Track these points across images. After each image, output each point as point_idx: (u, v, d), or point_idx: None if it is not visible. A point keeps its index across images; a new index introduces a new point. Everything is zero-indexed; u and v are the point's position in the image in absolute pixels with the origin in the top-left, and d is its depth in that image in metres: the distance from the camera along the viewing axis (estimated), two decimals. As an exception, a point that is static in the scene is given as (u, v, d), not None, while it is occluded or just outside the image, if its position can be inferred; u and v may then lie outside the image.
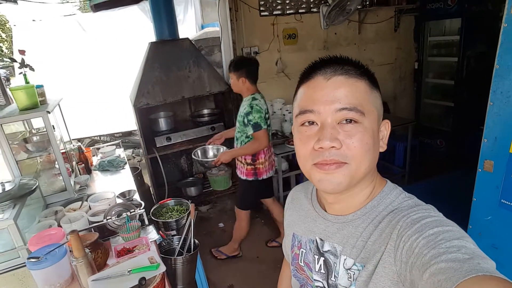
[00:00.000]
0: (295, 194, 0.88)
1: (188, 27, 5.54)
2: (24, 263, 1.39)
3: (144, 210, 1.87)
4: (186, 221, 1.91)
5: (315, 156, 0.61)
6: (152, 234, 1.80)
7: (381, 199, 0.68)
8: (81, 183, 2.41)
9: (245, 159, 2.52)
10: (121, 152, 3.08)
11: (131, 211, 1.79)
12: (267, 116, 2.43)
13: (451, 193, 2.15)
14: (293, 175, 3.47)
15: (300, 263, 0.78)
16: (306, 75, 0.66)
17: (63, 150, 2.47)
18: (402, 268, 0.56)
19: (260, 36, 3.62)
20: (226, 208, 3.86)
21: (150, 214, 2.00)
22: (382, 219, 0.64)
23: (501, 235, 1.25)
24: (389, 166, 4.10)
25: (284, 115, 3.79)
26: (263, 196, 2.79)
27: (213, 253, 2.97)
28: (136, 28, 4.99)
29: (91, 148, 3.05)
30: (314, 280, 0.73)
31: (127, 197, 2.10)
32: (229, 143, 2.79)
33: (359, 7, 3.73)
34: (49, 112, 2.04)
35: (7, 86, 2.48)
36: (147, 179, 3.67)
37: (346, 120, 0.60)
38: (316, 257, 0.73)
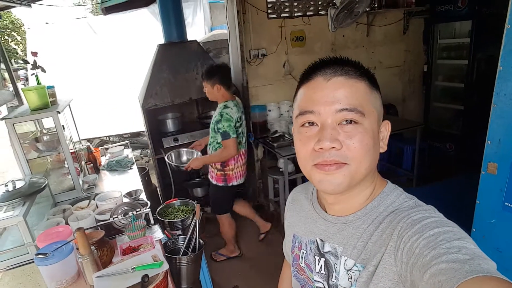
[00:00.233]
0: (296, 195, 0.88)
1: (197, 29, 5.60)
2: (33, 259, 1.42)
3: (150, 209, 1.89)
4: (191, 221, 1.93)
5: (315, 156, 0.62)
6: (157, 233, 1.82)
7: (382, 200, 0.67)
8: (89, 183, 2.45)
9: (215, 165, 2.57)
10: (129, 153, 3.12)
11: (137, 210, 1.81)
12: (238, 124, 2.45)
13: (459, 196, 2.12)
14: (299, 177, 3.46)
15: (300, 264, 0.78)
16: (306, 76, 0.66)
17: (73, 150, 2.52)
18: (402, 269, 0.56)
19: (267, 39, 3.63)
20: (232, 209, 3.87)
21: (156, 213, 2.02)
22: (383, 219, 0.64)
23: (505, 238, 1.22)
24: (397, 169, 4.06)
25: (291, 117, 3.80)
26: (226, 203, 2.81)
27: (213, 256, 2.99)
28: (146, 30, 5.06)
29: (99, 148, 3.10)
30: (315, 281, 0.73)
31: (134, 197, 2.13)
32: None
33: (367, 9, 3.72)
34: (59, 112, 2.09)
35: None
36: (154, 180, 3.70)
37: (346, 120, 0.61)
38: (317, 258, 0.73)
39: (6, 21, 14.10)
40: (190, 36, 3.59)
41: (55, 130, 2.17)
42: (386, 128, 0.69)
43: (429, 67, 4.42)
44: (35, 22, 5.01)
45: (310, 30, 3.77)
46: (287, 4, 3.60)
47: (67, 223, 1.77)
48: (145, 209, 1.86)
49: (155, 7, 5.06)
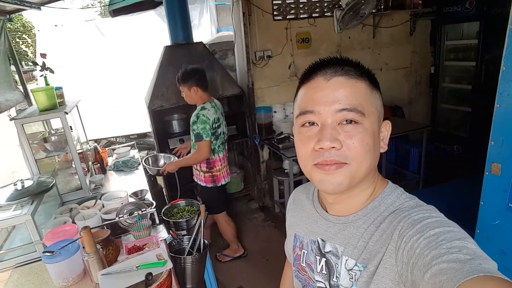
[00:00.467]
0: (297, 195, 0.88)
1: (203, 31, 5.64)
2: (40, 257, 1.45)
3: (155, 209, 1.91)
4: (196, 222, 1.95)
5: (316, 156, 0.62)
6: (162, 233, 1.83)
7: (382, 200, 0.68)
8: (96, 182, 2.48)
9: (200, 167, 2.57)
10: (135, 153, 3.15)
11: (142, 210, 1.83)
12: (216, 125, 2.45)
13: (466, 197, 2.10)
14: (305, 178, 3.45)
15: (302, 264, 0.78)
16: (307, 76, 0.66)
17: (80, 150, 2.55)
18: (403, 269, 0.56)
19: (273, 40, 3.64)
20: (238, 210, 3.89)
21: (162, 214, 2.04)
22: (383, 219, 0.64)
23: (509, 240, 1.20)
24: (403, 171, 4.03)
25: (296, 118, 3.79)
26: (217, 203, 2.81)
27: (218, 257, 2.99)
28: (153, 32, 5.11)
29: (106, 148, 3.13)
30: (316, 281, 0.74)
31: (139, 197, 2.15)
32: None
33: (373, 11, 3.71)
34: (66, 113, 2.12)
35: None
36: (160, 180, 3.73)
37: (346, 120, 0.61)
38: (318, 258, 0.73)
39: (17, 24, 14.37)
40: (196, 38, 3.62)
41: (63, 130, 2.20)
42: (386, 128, 0.69)
43: (436, 68, 4.39)
44: (44, 24, 5.10)
45: (315, 31, 3.77)
46: (292, 6, 3.61)
47: (73, 222, 1.80)
48: (150, 209, 1.88)
49: (162, 10, 5.11)
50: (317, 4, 3.69)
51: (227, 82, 3.45)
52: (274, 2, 3.52)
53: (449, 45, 4.31)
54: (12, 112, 2.26)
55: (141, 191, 2.22)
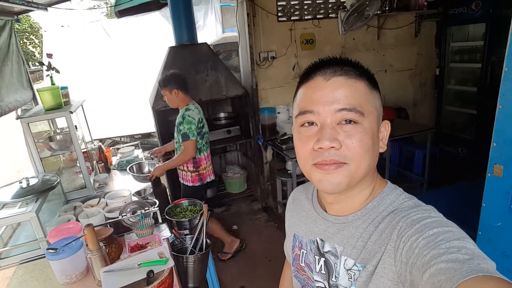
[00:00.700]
0: (296, 195, 0.88)
1: (208, 32, 5.66)
2: (44, 254, 1.46)
3: (158, 208, 1.92)
4: (199, 221, 1.96)
5: (315, 156, 0.62)
6: (165, 232, 1.84)
7: (381, 200, 0.68)
8: (100, 181, 2.50)
9: (187, 167, 2.60)
10: (139, 153, 3.18)
11: (145, 208, 1.84)
12: (201, 125, 2.50)
13: (469, 200, 2.09)
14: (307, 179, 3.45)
15: (301, 264, 0.78)
16: (306, 76, 0.66)
17: (84, 149, 2.58)
18: (402, 269, 0.56)
19: (277, 41, 3.65)
20: (241, 210, 3.89)
21: (165, 213, 2.05)
22: (382, 219, 0.64)
23: (511, 242, 1.19)
24: (407, 173, 4.01)
25: (300, 119, 3.79)
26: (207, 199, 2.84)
27: (220, 256, 3.00)
28: (158, 33, 5.14)
29: (111, 148, 3.16)
30: (315, 280, 0.74)
31: (142, 196, 2.17)
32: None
33: (378, 12, 3.70)
34: (71, 112, 2.14)
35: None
36: (164, 180, 3.75)
37: (346, 120, 0.61)
38: (317, 257, 0.73)
39: (25, 24, 14.52)
40: (201, 39, 3.63)
41: (68, 129, 2.23)
42: (385, 128, 0.69)
43: (441, 70, 4.36)
44: (51, 25, 5.15)
45: (320, 33, 3.77)
46: (297, 7, 3.61)
47: (77, 220, 1.82)
48: (153, 208, 1.89)
49: (167, 11, 5.13)
50: (322, 6, 3.69)
51: (231, 82, 3.46)
52: (279, 3, 3.52)
53: (454, 46, 4.28)
54: (19, 111, 2.30)
55: (145, 190, 2.24)
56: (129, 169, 2.57)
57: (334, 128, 0.61)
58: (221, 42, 4.06)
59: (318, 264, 0.72)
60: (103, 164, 2.75)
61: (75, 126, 2.40)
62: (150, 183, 2.49)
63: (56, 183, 1.93)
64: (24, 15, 3.02)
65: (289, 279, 0.90)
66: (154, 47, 4.89)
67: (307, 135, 0.63)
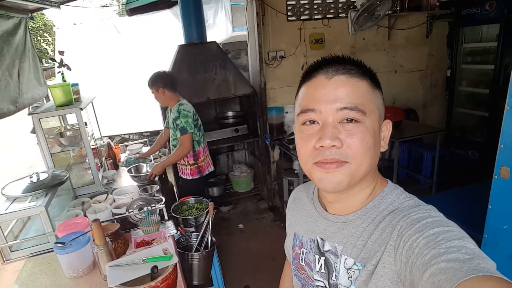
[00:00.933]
0: (297, 194, 0.89)
1: (218, 31, 5.67)
2: (53, 248, 1.49)
3: (164, 205, 1.94)
4: (204, 219, 1.97)
5: (316, 155, 0.62)
6: (171, 229, 1.86)
7: (382, 199, 0.67)
8: (108, 178, 2.54)
9: (187, 161, 2.62)
10: (147, 150, 3.20)
11: (152, 205, 1.86)
12: (195, 117, 2.56)
13: (478, 202, 2.06)
14: (315, 180, 3.44)
15: (301, 263, 0.78)
16: (308, 74, 0.67)
17: (94, 146, 2.62)
18: (402, 268, 0.56)
19: (286, 41, 3.64)
20: (247, 209, 3.90)
21: (171, 210, 2.07)
22: (383, 219, 0.64)
23: (518, 246, 1.17)
24: (415, 175, 3.96)
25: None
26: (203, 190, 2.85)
27: None
28: (168, 31, 5.17)
29: (119, 145, 3.20)
30: (315, 280, 0.74)
31: (149, 193, 2.19)
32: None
33: (389, 12, 3.66)
34: (81, 109, 2.18)
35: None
36: (171, 178, 3.78)
37: (347, 119, 0.61)
38: (317, 256, 0.73)
39: (39, 22, 14.76)
40: (211, 38, 3.65)
41: (77, 126, 2.27)
42: (387, 128, 0.69)
43: (452, 71, 4.29)
44: (64, 23, 5.23)
45: (329, 32, 3.75)
46: (307, 6, 3.60)
47: (85, 215, 1.85)
48: (160, 204, 1.91)
49: (177, 9, 5.15)
50: (332, 5, 3.67)
51: (239, 81, 3.47)
52: (288, 2, 3.52)
53: (467, 47, 4.21)
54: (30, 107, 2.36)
55: (151, 187, 2.26)
56: (128, 171, 2.60)
57: (335, 126, 0.61)
58: (230, 41, 4.07)
59: (318, 263, 0.72)
60: (111, 160, 2.79)
61: (85, 123, 2.44)
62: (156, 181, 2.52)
63: (65, 178, 1.96)
64: (38, 13, 3.08)
65: (289, 278, 0.90)
66: (164, 45, 4.92)
67: (309, 133, 0.64)
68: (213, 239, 1.98)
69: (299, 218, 0.82)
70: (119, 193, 2.09)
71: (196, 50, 3.40)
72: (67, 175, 2.00)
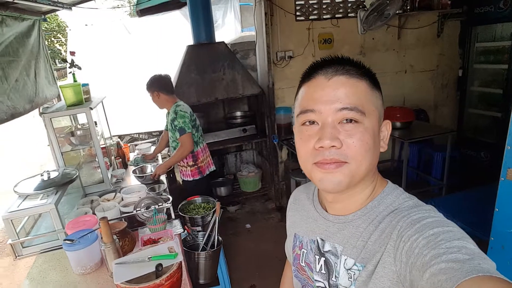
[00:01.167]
0: (297, 195, 0.89)
1: (227, 31, 5.69)
2: (62, 245, 1.52)
3: (171, 204, 1.96)
4: (211, 219, 1.98)
5: (316, 155, 0.62)
6: (177, 228, 1.88)
7: (382, 199, 0.67)
8: (118, 176, 2.58)
9: (186, 163, 2.63)
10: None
11: (159, 204, 1.88)
12: (193, 118, 2.57)
13: (488, 205, 2.02)
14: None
15: (301, 264, 0.78)
16: (308, 75, 0.67)
17: (103, 145, 2.66)
18: (402, 268, 0.56)
19: (295, 41, 3.63)
20: (254, 209, 3.91)
21: (178, 209, 2.09)
22: (383, 219, 0.64)
23: (525, 251, 1.14)
24: (425, 177, 3.91)
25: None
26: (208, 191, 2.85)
27: None
28: (177, 32, 5.22)
29: (129, 144, 3.24)
30: (315, 280, 0.74)
31: (157, 191, 2.21)
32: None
33: (399, 11, 3.62)
34: (91, 109, 2.21)
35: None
36: (179, 177, 3.81)
37: (347, 119, 0.61)
38: (317, 257, 0.73)
39: (53, 24, 15.05)
40: (220, 38, 3.67)
41: (88, 125, 2.30)
42: (386, 128, 0.69)
43: (464, 71, 4.22)
44: (76, 24, 5.33)
45: (338, 32, 3.73)
46: (315, 6, 3.59)
47: (94, 213, 1.88)
48: (167, 204, 1.93)
49: (186, 10, 5.20)
50: (341, 5, 3.65)
51: (247, 81, 3.48)
52: (297, 2, 3.51)
53: (479, 47, 4.13)
54: (36, 112, 2.43)
55: (159, 186, 2.29)
56: (133, 171, 2.64)
57: (335, 127, 0.61)
58: (238, 41, 4.09)
59: (318, 263, 0.73)
60: (120, 159, 2.83)
61: (95, 122, 2.48)
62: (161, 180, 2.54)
63: (75, 177, 2.00)
64: (52, 14, 3.15)
65: (290, 279, 0.90)
66: (174, 45, 4.96)
67: (308, 134, 0.64)
68: (220, 238, 1.99)
69: (299, 219, 0.83)
70: (127, 192, 2.12)
71: (205, 50, 3.42)
72: (77, 174, 2.04)
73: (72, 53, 2.63)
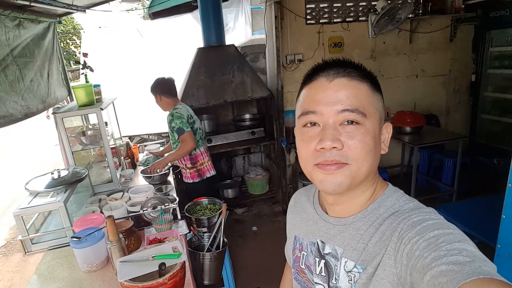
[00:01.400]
0: (298, 197, 0.89)
1: (237, 34, 5.73)
2: (69, 243, 1.55)
3: (177, 205, 1.98)
4: (217, 220, 1.99)
5: (317, 156, 0.62)
6: (183, 228, 1.89)
7: (382, 202, 0.67)
8: (126, 176, 2.61)
9: (185, 165, 2.67)
10: (165, 150, 3.27)
11: (166, 204, 1.90)
12: (190, 121, 2.60)
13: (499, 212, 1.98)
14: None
15: (301, 266, 0.78)
16: (309, 77, 0.67)
17: (113, 145, 2.70)
18: (402, 271, 0.56)
19: (305, 44, 3.63)
20: (261, 212, 3.90)
21: (184, 210, 2.11)
22: (383, 221, 0.64)
23: (533, 259, 1.11)
24: (435, 183, 3.84)
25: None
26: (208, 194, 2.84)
27: None
28: (189, 35, 5.27)
29: (138, 145, 3.28)
30: (315, 283, 0.73)
31: (164, 192, 2.23)
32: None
33: (410, 15, 3.59)
34: (102, 109, 2.25)
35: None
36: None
37: (348, 121, 0.61)
38: (317, 259, 0.73)
39: (69, 26, 15.40)
40: (231, 41, 3.69)
41: (98, 125, 2.35)
42: (387, 130, 0.68)
43: (477, 76, 4.14)
44: (90, 26, 5.44)
45: (349, 36, 3.71)
46: (326, 10, 3.58)
47: (102, 212, 1.91)
48: (173, 204, 1.95)
49: (198, 13, 5.26)
50: (352, 9, 3.64)
51: (256, 84, 3.49)
52: (308, 6, 3.51)
53: (494, 51, 4.05)
54: (51, 112, 2.49)
55: (166, 186, 2.31)
56: (141, 171, 2.68)
57: (336, 128, 0.61)
58: (248, 44, 4.11)
59: (318, 266, 0.72)
60: (130, 160, 2.87)
61: (105, 123, 2.52)
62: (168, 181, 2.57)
63: (84, 175, 2.04)
64: (68, 17, 3.22)
65: (289, 281, 0.90)
66: (185, 48, 5.01)
67: (309, 135, 0.64)
68: (225, 240, 2.00)
69: (299, 221, 0.82)
70: (135, 192, 2.14)
71: (215, 53, 3.45)
72: (86, 173, 2.08)
73: (85, 55, 2.69)
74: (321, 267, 0.72)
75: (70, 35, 15.91)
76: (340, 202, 0.70)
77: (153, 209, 1.89)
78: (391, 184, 0.72)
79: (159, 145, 3.33)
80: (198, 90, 3.33)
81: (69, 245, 1.74)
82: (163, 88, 2.62)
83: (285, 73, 3.63)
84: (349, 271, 0.65)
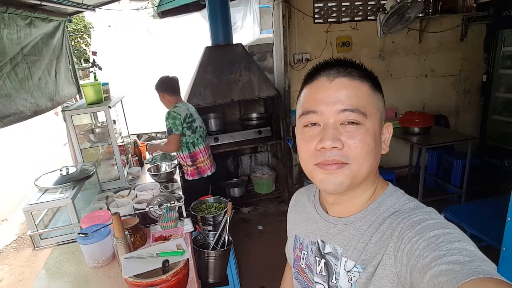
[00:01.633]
0: (298, 197, 0.89)
1: (245, 33, 5.73)
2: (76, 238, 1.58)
3: (183, 203, 1.99)
4: (222, 218, 2.00)
5: (317, 156, 0.63)
6: (188, 226, 1.90)
7: (382, 201, 0.67)
8: (133, 174, 2.64)
9: (185, 162, 2.72)
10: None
11: (171, 202, 1.92)
12: (189, 120, 2.62)
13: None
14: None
15: (301, 265, 0.78)
16: (310, 77, 0.67)
17: (121, 143, 2.73)
18: (402, 270, 0.56)
19: (312, 43, 3.62)
20: (268, 211, 3.90)
21: (190, 208, 2.12)
22: (383, 221, 0.64)
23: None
24: (444, 184, 3.79)
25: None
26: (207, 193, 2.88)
27: None
28: (197, 33, 5.29)
29: (146, 143, 3.31)
30: (315, 282, 0.74)
31: (170, 190, 2.25)
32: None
33: (420, 15, 3.54)
34: (110, 107, 2.28)
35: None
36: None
37: (348, 121, 0.61)
38: (317, 259, 0.73)
39: (79, 25, 15.58)
40: (239, 40, 3.69)
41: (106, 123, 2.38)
42: (388, 130, 0.68)
43: (489, 77, 4.07)
44: (99, 24, 5.50)
45: (357, 35, 3.69)
46: (334, 9, 3.56)
47: (108, 209, 1.93)
48: (179, 202, 1.96)
49: (206, 12, 5.28)
50: (360, 8, 3.61)
51: (263, 83, 3.49)
52: (316, 5, 3.50)
53: (506, 51, 3.97)
54: (59, 109, 2.54)
55: (172, 184, 2.33)
56: (148, 170, 2.71)
57: (336, 128, 0.61)
58: (256, 43, 4.11)
59: (319, 265, 0.72)
60: (137, 158, 2.90)
61: (113, 121, 2.55)
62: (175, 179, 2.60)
63: (92, 172, 2.06)
64: (79, 15, 3.27)
65: (290, 281, 0.91)
66: (193, 46, 5.03)
67: (310, 135, 0.64)
68: (230, 238, 2.01)
69: (300, 221, 0.83)
70: (141, 189, 2.17)
71: (222, 52, 3.45)
72: (94, 170, 2.11)
73: (94, 53, 2.72)
74: (321, 267, 0.72)
75: (81, 33, 16.10)
76: (341, 202, 0.70)
77: (159, 206, 1.91)
78: (391, 184, 0.71)
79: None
80: (205, 89, 3.35)
81: (76, 241, 1.78)
82: (166, 86, 2.67)
83: (293, 72, 3.62)
84: (349, 271, 0.66)
